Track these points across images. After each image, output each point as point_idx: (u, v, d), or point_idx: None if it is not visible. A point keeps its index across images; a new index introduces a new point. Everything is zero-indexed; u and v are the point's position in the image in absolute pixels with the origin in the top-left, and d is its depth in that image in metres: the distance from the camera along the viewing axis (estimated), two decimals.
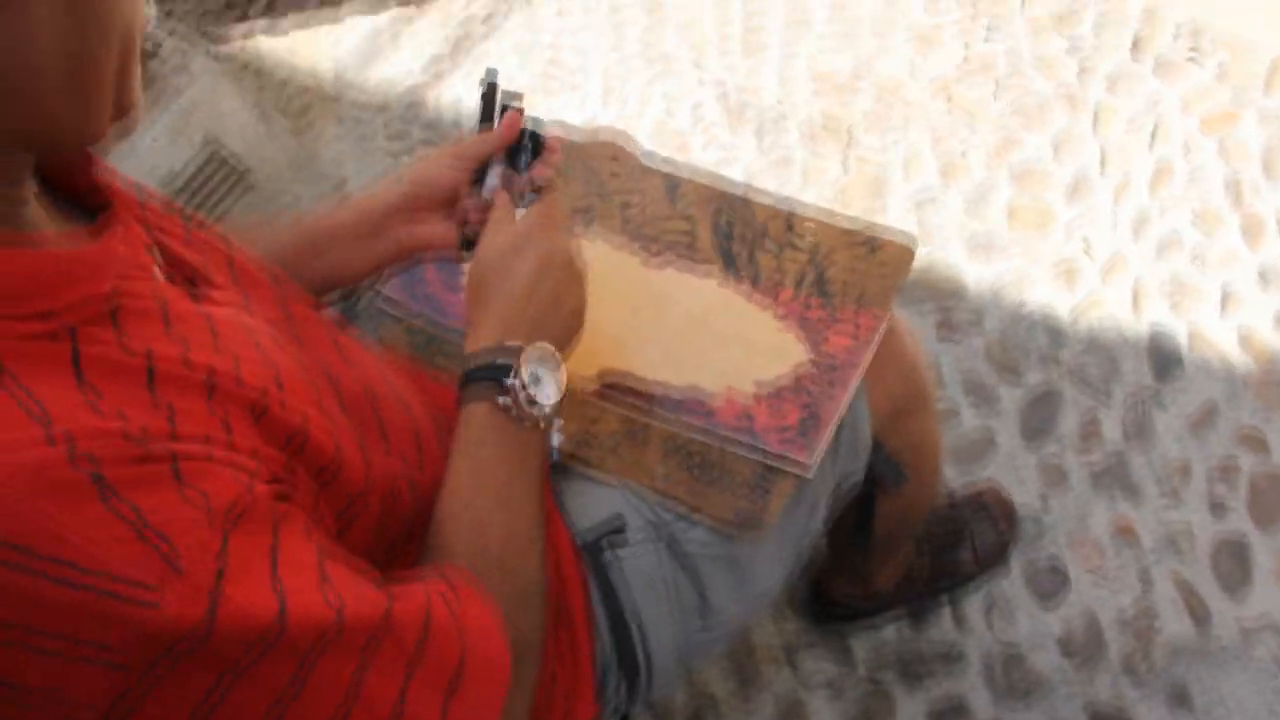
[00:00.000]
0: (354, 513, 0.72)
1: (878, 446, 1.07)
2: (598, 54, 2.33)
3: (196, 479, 0.57)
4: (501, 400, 0.81)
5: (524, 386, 0.81)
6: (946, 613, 1.53)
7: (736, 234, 1.12)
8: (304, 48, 2.55)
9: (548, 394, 0.82)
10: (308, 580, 0.61)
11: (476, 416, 0.81)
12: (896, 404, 1.09)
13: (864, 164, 1.98)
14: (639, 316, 1.09)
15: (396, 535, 0.78)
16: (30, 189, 0.63)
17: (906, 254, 1.09)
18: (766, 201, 1.14)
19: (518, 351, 0.82)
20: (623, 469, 1.01)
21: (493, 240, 0.90)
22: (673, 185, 1.17)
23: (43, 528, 0.51)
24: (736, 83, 2.18)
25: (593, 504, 0.99)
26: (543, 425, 0.82)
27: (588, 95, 2.25)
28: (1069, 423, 1.63)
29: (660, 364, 1.05)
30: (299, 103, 2.44)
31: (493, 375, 0.81)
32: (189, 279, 0.73)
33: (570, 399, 1.05)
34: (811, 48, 2.19)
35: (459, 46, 2.46)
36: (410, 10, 2.57)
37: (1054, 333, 1.72)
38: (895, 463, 1.10)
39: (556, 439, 0.99)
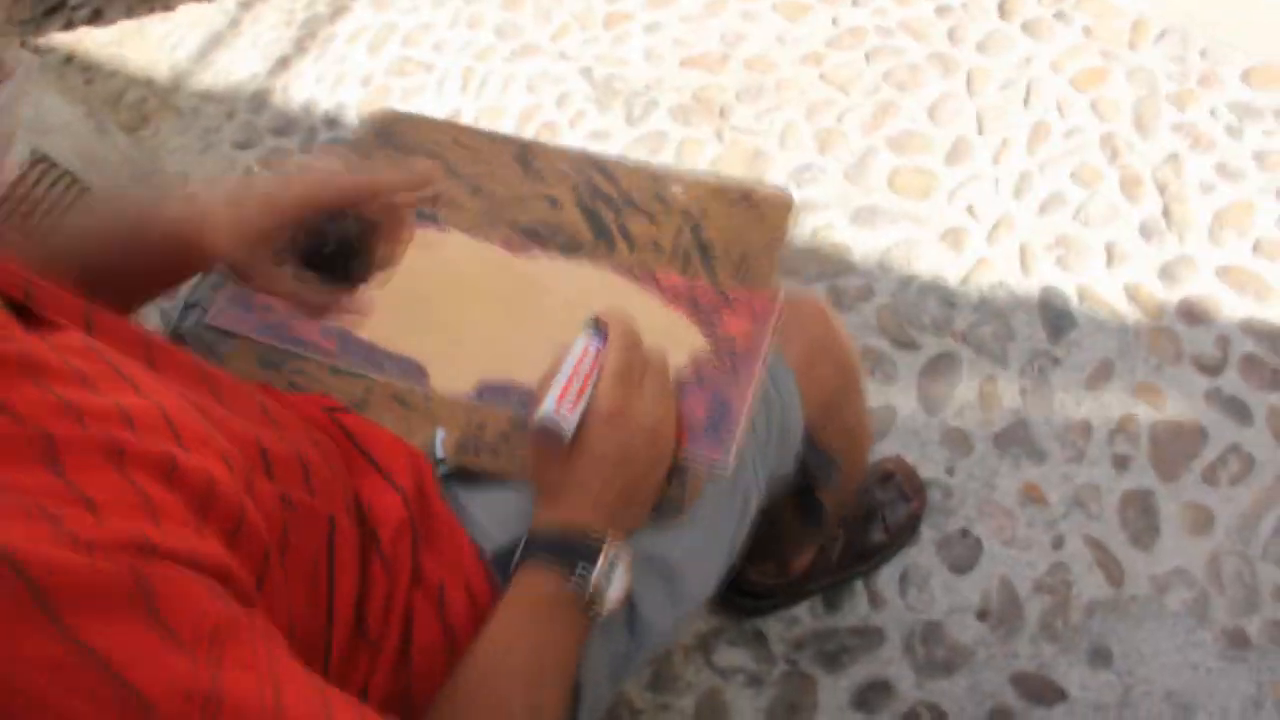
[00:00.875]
0: (265, 569, 0.62)
1: (809, 442, 1.01)
2: (454, 39, 2.23)
3: (164, 599, 0.48)
4: (574, 581, 0.75)
5: (597, 584, 0.76)
6: (861, 590, 1.49)
7: (602, 203, 1.04)
8: (135, 48, 2.38)
9: (615, 593, 0.77)
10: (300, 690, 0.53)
11: (541, 585, 0.76)
12: (829, 395, 1.03)
13: (739, 139, 1.93)
14: (512, 315, 1.00)
15: (303, 576, 0.70)
16: None
17: (785, 203, 1.03)
18: (632, 169, 1.07)
19: (602, 543, 0.77)
20: (517, 467, 0.92)
21: (608, 404, 0.80)
22: (523, 155, 1.09)
23: None
24: (601, 62, 2.11)
25: (502, 515, 0.90)
26: (598, 618, 0.77)
27: (446, 83, 2.15)
28: (968, 388, 1.61)
29: (539, 361, 0.96)
30: (135, 105, 2.27)
31: (568, 556, 0.76)
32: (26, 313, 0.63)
33: (449, 407, 0.96)
34: (676, 23, 2.13)
35: (305, 35, 2.32)
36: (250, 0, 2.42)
37: (945, 298, 1.69)
38: (826, 455, 1.04)
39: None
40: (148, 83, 2.30)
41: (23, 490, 0.48)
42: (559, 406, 0.78)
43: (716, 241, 1.01)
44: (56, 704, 0.45)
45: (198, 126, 2.19)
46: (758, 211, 1.02)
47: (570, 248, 1.03)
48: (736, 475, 0.93)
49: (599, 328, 0.82)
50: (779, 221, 1.02)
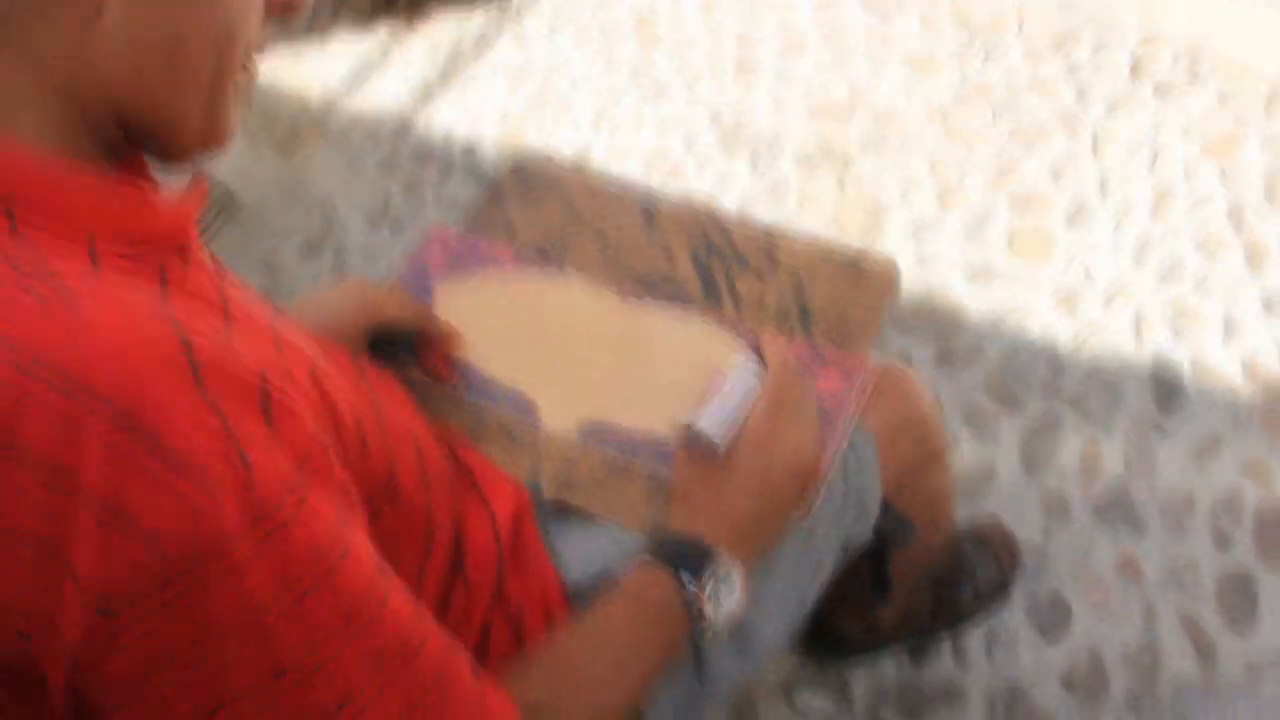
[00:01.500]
0: (376, 506, 0.72)
1: (886, 506, 1.04)
2: (589, 78, 2.31)
3: (283, 424, 0.58)
4: (685, 578, 0.80)
5: (704, 592, 0.80)
6: (947, 648, 1.50)
7: (715, 260, 1.09)
8: (290, 73, 2.52)
9: (726, 612, 0.82)
10: (369, 563, 0.61)
11: (653, 585, 0.81)
12: (909, 465, 1.06)
13: (860, 190, 1.96)
14: (621, 360, 1.06)
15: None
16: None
17: (890, 277, 1.06)
18: (747, 229, 1.11)
19: (722, 562, 0.82)
20: (607, 509, 0.98)
21: (763, 430, 0.88)
22: (649, 213, 1.14)
23: (143, 392, 0.52)
24: (730, 108, 2.16)
25: (585, 552, 0.96)
26: (705, 634, 0.82)
27: (579, 121, 2.23)
28: (1070, 453, 1.60)
29: (645, 408, 1.02)
30: (288, 127, 2.41)
31: (687, 566, 0.81)
32: None
33: (552, 443, 1.02)
34: (806, 73, 2.17)
35: (449, 69, 2.43)
36: (400, 33, 2.54)
37: (1054, 361, 1.69)
38: (905, 520, 1.06)
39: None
40: (302, 106, 2.44)
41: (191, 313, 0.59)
42: (715, 421, 0.86)
43: (818, 305, 1.05)
44: (184, 444, 0.53)
45: (346, 150, 2.32)
46: (863, 279, 1.06)
47: (680, 299, 1.08)
48: (811, 536, 0.97)
49: (760, 358, 0.88)
50: (883, 291, 1.05)
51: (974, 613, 1.50)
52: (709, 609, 0.80)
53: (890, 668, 1.49)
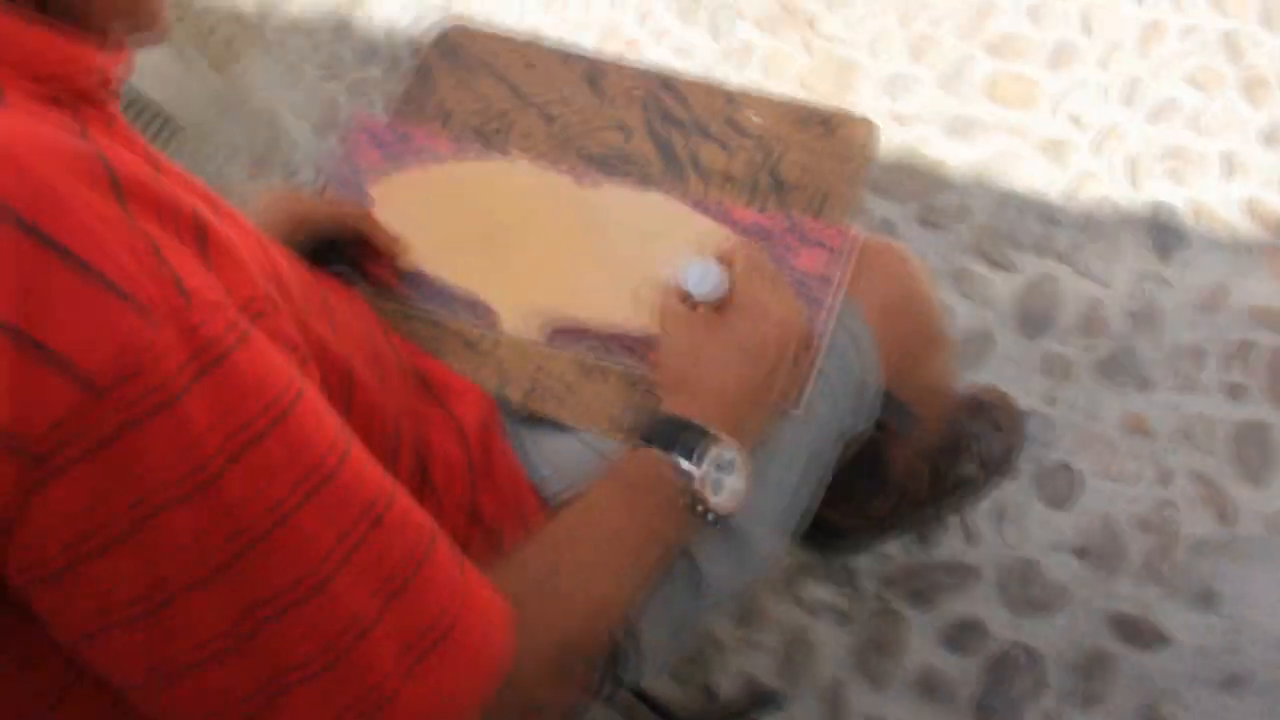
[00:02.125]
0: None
1: (885, 393, 0.96)
2: None
3: (221, 261, 0.50)
4: (684, 465, 0.73)
5: (705, 476, 0.75)
6: (954, 527, 1.44)
7: (674, 131, 1.00)
8: None
9: (728, 495, 0.76)
10: (326, 416, 0.53)
11: (647, 468, 0.74)
12: (907, 349, 0.98)
13: (828, 49, 1.84)
14: (580, 248, 0.97)
15: None
16: None
17: (867, 137, 0.96)
18: (705, 92, 1.01)
19: (718, 441, 0.76)
20: (581, 414, 0.90)
21: (745, 295, 0.83)
22: (595, 81, 1.04)
23: (54, 200, 0.44)
24: None
25: (565, 466, 0.88)
26: (707, 519, 0.76)
27: (527, 1, 2.09)
28: (1069, 312, 1.52)
29: (610, 302, 0.93)
30: (223, 41, 2.26)
31: (682, 448, 0.75)
32: None
33: (520, 351, 0.94)
34: None
35: None
36: None
37: (1046, 215, 1.60)
38: (904, 408, 0.99)
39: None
40: (235, 17, 2.29)
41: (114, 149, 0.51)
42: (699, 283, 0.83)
43: (792, 174, 0.96)
44: (109, 260, 0.45)
45: (285, 59, 2.18)
46: (838, 141, 0.96)
47: (641, 179, 0.99)
48: (806, 429, 0.90)
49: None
50: (861, 154, 0.96)
51: (979, 488, 1.44)
52: (710, 494, 0.75)
53: (897, 551, 1.44)
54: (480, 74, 1.07)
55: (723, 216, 0.94)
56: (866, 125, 0.96)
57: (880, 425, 1.00)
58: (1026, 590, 1.38)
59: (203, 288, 0.48)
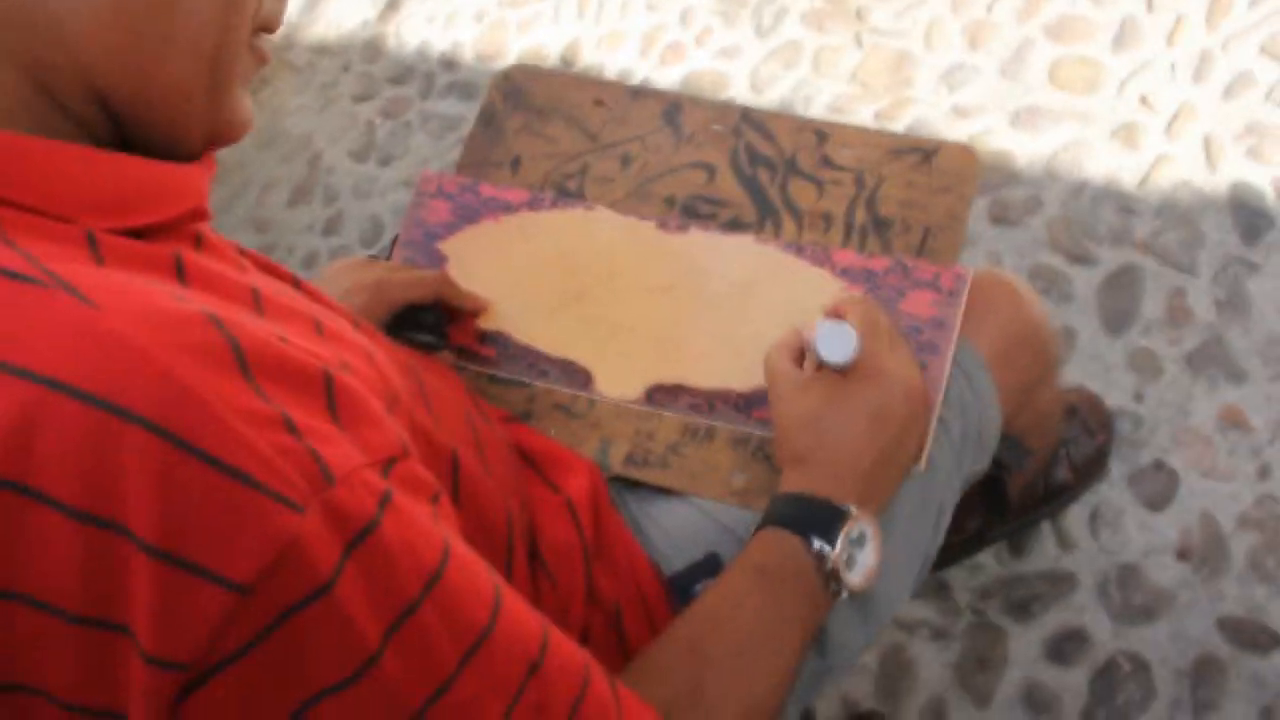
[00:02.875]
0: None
1: (1003, 431, 0.92)
2: None
3: (351, 416, 0.47)
4: (817, 545, 0.71)
5: (839, 557, 0.72)
6: (1048, 533, 1.39)
7: (762, 170, 0.95)
8: None
9: (861, 570, 0.73)
10: (472, 565, 0.51)
11: (777, 551, 0.71)
12: (1026, 386, 0.94)
13: (879, 42, 1.78)
14: (673, 302, 0.93)
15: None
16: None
17: (968, 157, 0.92)
18: (790, 124, 0.97)
19: (848, 515, 0.73)
20: (690, 479, 0.87)
21: (866, 357, 0.79)
22: (671, 112, 1.00)
23: (185, 398, 0.42)
24: None
25: (679, 537, 0.85)
26: (840, 596, 0.73)
27: (562, 10, 2.04)
28: (1154, 304, 1.47)
29: (710, 359, 0.89)
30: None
31: (811, 527, 0.72)
32: None
33: (619, 414, 0.90)
34: None
35: None
36: None
37: (1122, 204, 1.54)
38: (1018, 442, 0.95)
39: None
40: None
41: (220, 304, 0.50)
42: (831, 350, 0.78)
43: (891, 209, 0.91)
44: (244, 450, 0.43)
45: (315, 83, 2.15)
46: (936, 171, 0.92)
47: (731, 223, 0.95)
48: (929, 483, 0.86)
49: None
50: (963, 182, 0.91)
51: (1072, 492, 1.40)
52: (845, 573, 0.72)
53: (991, 562, 1.40)
54: (549, 116, 1.03)
55: (822, 260, 0.89)
56: (966, 152, 0.91)
57: (998, 463, 0.97)
58: (1128, 596, 1.33)
59: (341, 458, 0.45)
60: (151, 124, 0.53)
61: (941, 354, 0.84)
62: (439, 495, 0.53)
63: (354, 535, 0.44)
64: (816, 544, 0.71)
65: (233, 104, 0.56)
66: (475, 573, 0.51)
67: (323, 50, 2.20)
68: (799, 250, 0.91)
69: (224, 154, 2.02)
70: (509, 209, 0.98)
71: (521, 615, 0.53)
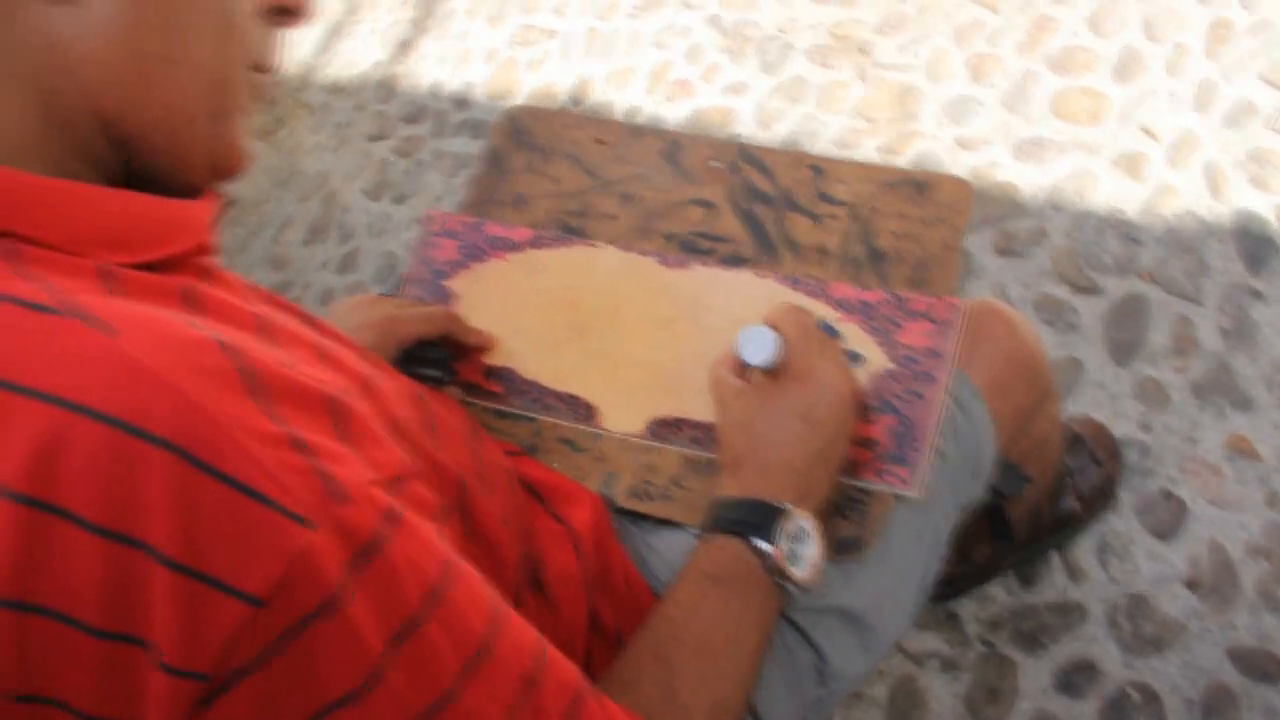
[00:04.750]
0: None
1: (999, 457, 0.93)
2: (574, 1, 2.14)
3: (357, 436, 0.49)
4: (757, 543, 0.73)
5: (781, 553, 0.74)
6: (1057, 565, 1.39)
7: (761, 206, 0.97)
8: None
9: (806, 565, 0.75)
10: (474, 583, 0.52)
11: (723, 556, 0.73)
12: (1022, 413, 0.95)
13: (883, 76, 1.80)
14: (675, 336, 0.94)
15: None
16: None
17: (961, 188, 0.93)
18: (787, 160, 0.98)
19: (785, 512, 0.74)
20: (692, 510, 0.88)
21: (798, 361, 0.82)
22: (671, 151, 1.01)
23: (203, 421, 0.44)
24: (729, 9, 1.99)
25: (677, 561, 0.86)
26: (791, 590, 0.75)
27: (570, 48, 2.07)
28: (1159, 333, 1.48)
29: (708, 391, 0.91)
30: (266, 108, 2.27)
31: (751, 527, 0.74)
32: None
33: (623, 448, 0.91)
34: None
35: (421, 15, 2.28)
36: None
37: (1127, 234, 1.55)
38: (1017, 470, 0.95)
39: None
40: (276, 83, 2.29)
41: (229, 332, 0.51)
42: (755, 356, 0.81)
43: (888, 242, 0.93)
44: (257, 470, 0.44)
45: (330, 122, 2.18)
46: (932, 203, 0.93)
47: (731, 258, 0.96)
48: (926, 511, 0.87)
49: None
50: (957, 213, 0.93)
51: (1080, 522, 1.40)
52: (790, 569, 0.73)
53: (1000, 593, 1.40)
54: (552, 155, 1.05)
55: (818, 293, 0.91)
56: (960, 185, 0.93)
57: (995, 490, 0.97)
58: (1138, 627, 1.33)
59: (349, 476, 0.47)
60: (156, 150, 0.55)
61: (938, 383, 0.85)
62: (440, 515, 0.55)
63: (360, 549, 0.46)
64: (757, 543, 0.73)
65: (233, 133, 0.58)
66: (475, 588, 0.52)
67: (337, 90, 2.23)
68: (796, 283, 0.92)
69: (242, 192, 2.06)
70: (514, 247, 1.00)
71: (519, 631, 0.54)
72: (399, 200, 2.02)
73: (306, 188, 2.11)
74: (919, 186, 0.94)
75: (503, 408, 0.96)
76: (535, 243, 0.99)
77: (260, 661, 0.44)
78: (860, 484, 0.84)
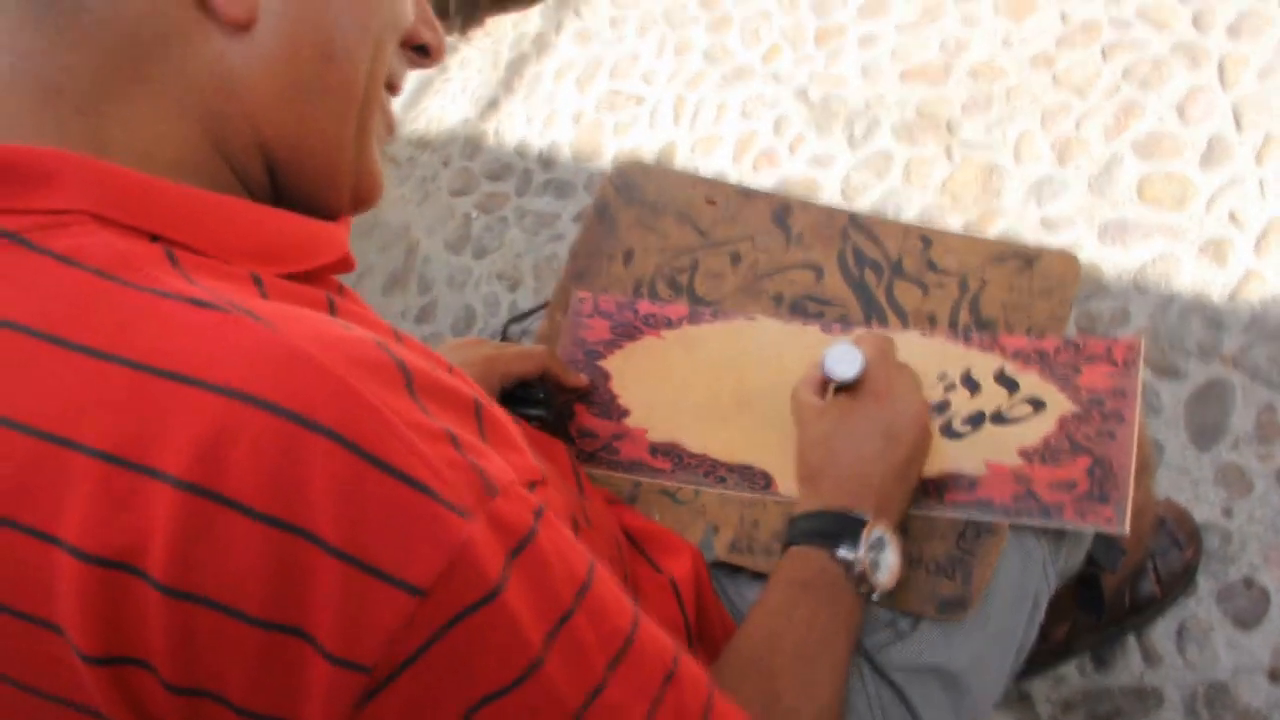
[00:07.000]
0: None
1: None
2: (661, 68, 2.19)
3: (498, 436, 0.50)
4: (842, 554, 0.75)
5: (864, 561, 0.76)
6: (1134, 648, 1.38)
7: (869, 271, 0.98)
8: None
9: (886, 572, 0.77)
10: (611, 578, 0.54)
11: (806, 566, 0.76)
12: None
13: (969, 155, 1.82)
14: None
15: None
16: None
17: (1070, 263, 0.94)
18: (893, 229, 1.00)
19: (865, 521, 0.77)
20: None
21: (876, 379, 0.86)
22: (781, 214, 1.03)
23: (364, 411, 0.45)
24: (816, 82, 2.03)
25: None
26: (872, 598, 0.77)
27: (658, 115, 2.11)
28: (1243, 418, 1.47)
29: None
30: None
31: (832, 538, 0.77)
32: None
33: (725, 502, 0.92)
34: (891, 35, 2.03)
35: (511, 75, 2.33)
36: (454, 38, 2.44)
37: (1210, 318, 1.55)
38: (1116, 542, 0.96)
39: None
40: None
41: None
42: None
43: (994, 311, 0.94)
44: (419, 462, 0.45)
45: (415, 176, 2.23)
46: (1038, 276, 0.94)
47: (837, 320, 0.98)
48: (1026, 572, 0.88)
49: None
50: (1064, 287, 0.94)
51: (1158, 606, 1.39)
52: (873, 576, 0.76)
53: (1074, 674, 1.38)
54: (661, 212, 1.07)
55: (992, 345, 0.92)
56: (1068, 259, 0.94)
57: (1091, 559, 0.97)
58: (1217, 715, 1.31)
59: (499, 472, 0.48)
60: (307, 174, 0.58)
61: (1128, 422, 0.86)
62: (578, 524, 0.57)
63: (516, 543, 0.47)
64: (841, 552, 0.75)
65: (372, 159, 0.61)
66: (614, 585, 0.54)
67: (424, 145, 2.28)
68: (968, 338, 0.93)
69: None
70: (669, 324, 1.01)
71: (654, 628, 0.55)
72: (479, 255, 2.06)
73: (389, 237, 2.15)
74: (1027, 260, 0.95)
75: (669, 484, 0.96)
76: (692, 319, 1.01)
77: (421, 653, 0.45)
78: (1064, 525, 0.85)
